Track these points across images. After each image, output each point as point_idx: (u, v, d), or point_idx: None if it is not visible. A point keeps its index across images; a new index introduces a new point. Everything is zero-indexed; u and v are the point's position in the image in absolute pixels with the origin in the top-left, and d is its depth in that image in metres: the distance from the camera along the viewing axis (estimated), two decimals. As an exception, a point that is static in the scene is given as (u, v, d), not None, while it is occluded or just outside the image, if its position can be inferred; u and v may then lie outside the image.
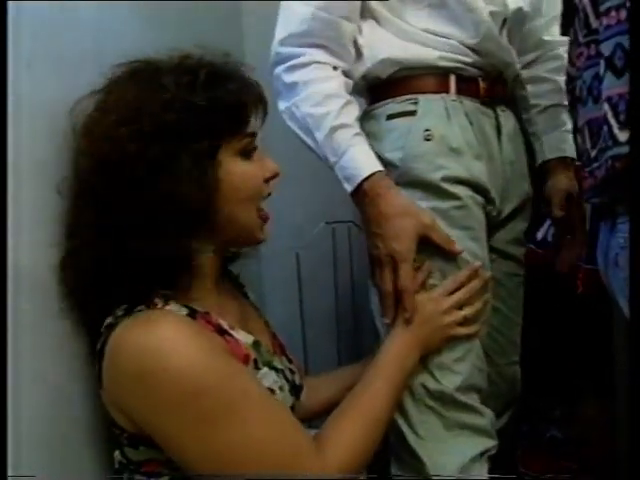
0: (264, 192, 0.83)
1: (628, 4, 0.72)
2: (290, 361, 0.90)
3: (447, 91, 0.96)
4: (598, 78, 0.79)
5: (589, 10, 0.81)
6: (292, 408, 0.81)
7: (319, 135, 0.91)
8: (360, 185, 0.90)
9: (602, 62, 0.77)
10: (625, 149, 0.74)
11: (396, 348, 0.87)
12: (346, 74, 0.96)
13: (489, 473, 0.92)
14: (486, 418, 0.93)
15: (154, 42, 0.77)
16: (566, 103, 1.12)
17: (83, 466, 0.73)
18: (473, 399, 0.92)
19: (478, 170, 0.95)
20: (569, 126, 1.11)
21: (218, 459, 0.66)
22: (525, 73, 1.12)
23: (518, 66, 1.07)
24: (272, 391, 0.77)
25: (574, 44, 0.90)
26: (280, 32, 0.94)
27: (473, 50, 0.96)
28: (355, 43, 0.97)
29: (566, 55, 1.12)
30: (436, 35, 0.95)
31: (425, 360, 0.91)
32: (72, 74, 0.73)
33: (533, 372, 1.17)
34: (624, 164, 0.74)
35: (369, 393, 0.83)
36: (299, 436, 0.72)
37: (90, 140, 0.73)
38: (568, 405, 1.42)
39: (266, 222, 0.84)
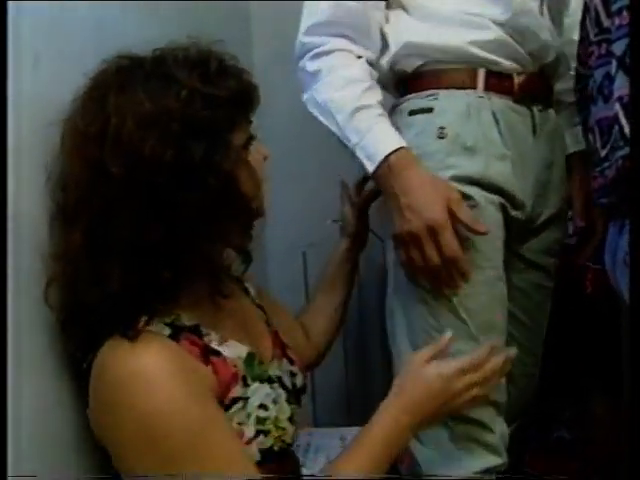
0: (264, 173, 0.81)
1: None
2: (292, 362, 0.87)
3: (474, 87, 0.92)
4: (609, 77, 0.79)
5: (600, 9, 0.81)
6: (291, 418, 0.79)
7: (340, 117, 0.89)
8: (384, 160, 0.87)
9: (614, 62, 0.76)
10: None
11: (388, 428, 0.77)
12: (371, 64, 0.94)
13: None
14: (496, 435, 0.90)
15: (158, 39, 0.75)
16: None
17: (83, 466, 0.73)
18: (483, 413, 0.89)
19: (497, 170, 0.91)
20: None
21: None
22: None
23: (567, 57, 1.00)
24: (264, 407, 0.75)
25: (584, 42, 0.89)
26: (305, 23, 0.93)
27: (506, 29, 0.91)
28: (382, 32, 0.95)
29: None
30: (466, 14, 0.91)
31: None
32: (74, 73, 0.70)
33: (540, 372, 1.16)
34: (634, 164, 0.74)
35: (351, 467, 0.74)
36: None
37: (107, 152, 0.65)
38: (575, 406, 1.41)
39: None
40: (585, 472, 1.32)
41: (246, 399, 0.73)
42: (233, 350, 0.74)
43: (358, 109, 0.88)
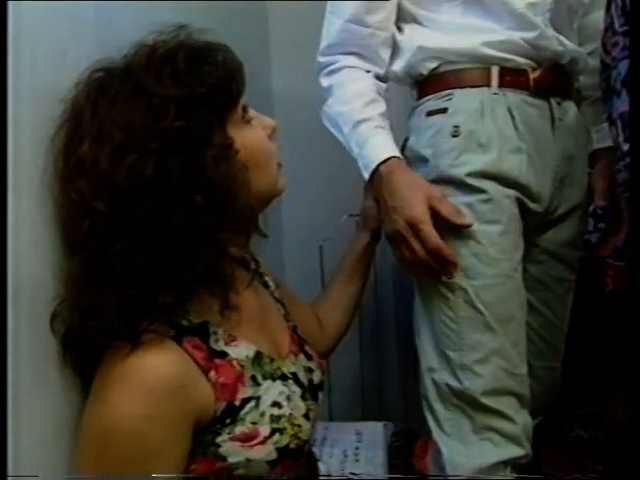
0: (273, 148, 0.79)
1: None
2: (309, 357, 0.86)
3: (488, 85, 0.95)
4: (634, 69, 0.77)
5: (627, -3, 0.79)
6: (307, 414, 0.77)
7: (346, 129, 0.98)
8: (376, 169, 0.93)
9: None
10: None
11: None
12: (379, 78, 1.02)
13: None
14: (518, 426, 0.90)
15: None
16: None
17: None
18: (503, 404, 0.90)
19: (512, 164, 0.93)
20: None
21: None
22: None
23: (584, 56, 1.02)
24: (278, 405, 0.73)
25: (609, 30, 0.87)
26: (321, 44, 1.05)
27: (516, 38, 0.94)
28: (395, 41, 1.02)
29: None
30: (476, 25, 0.95)
31: (447, 358, 0.91)
32: (74, 72, 0.69)
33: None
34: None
35: None
36: None
37: (88, 187, 0.64)
38: (594, 404, 1.39)
39: (280, 170, 0.80)
40: (603, 472, 1.31)
41: (258, 398, 0.72)
42: (240, 350, 0.73)
43: (359, 122, 0.96)
